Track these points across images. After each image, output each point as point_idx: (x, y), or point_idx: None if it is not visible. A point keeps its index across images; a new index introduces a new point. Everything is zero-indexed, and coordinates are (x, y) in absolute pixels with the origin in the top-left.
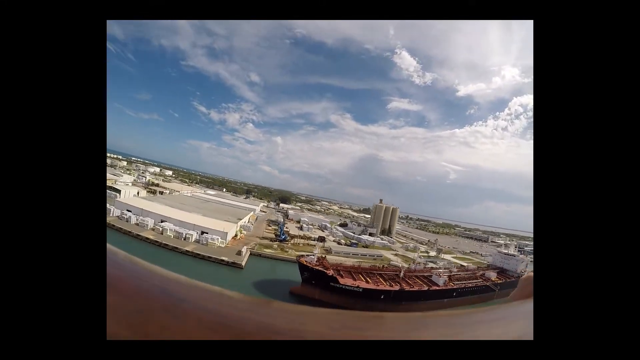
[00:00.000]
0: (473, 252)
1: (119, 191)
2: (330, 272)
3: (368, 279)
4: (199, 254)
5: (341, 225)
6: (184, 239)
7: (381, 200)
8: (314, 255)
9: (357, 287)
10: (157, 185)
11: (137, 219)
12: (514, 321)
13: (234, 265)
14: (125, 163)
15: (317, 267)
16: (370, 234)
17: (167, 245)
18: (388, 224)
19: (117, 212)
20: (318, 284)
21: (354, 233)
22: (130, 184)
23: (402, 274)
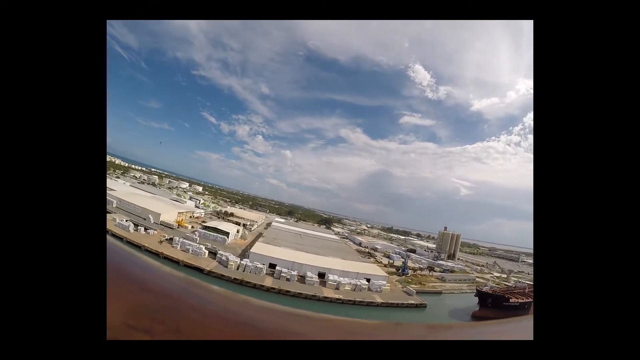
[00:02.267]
0: (520, 272)
1: (227, 234)
2: (507, 295)
3: (514, 296)
4: (392, 303)
5: (409, 251)
6: (360, 291)
7: (445, 228)
8: (487, 285)
9: (517, 302)
10: (231, 214)
11: (297, 275)
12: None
13: (421, 305)
14: (156, 178)
15: (498, 293)
16: (441, 259)
17: (361, 301)
18: (453, 249)
19: (261, 268)
20: (493, 305)
21: (429, 259)
22: (203, 213)
23: (527, 290)
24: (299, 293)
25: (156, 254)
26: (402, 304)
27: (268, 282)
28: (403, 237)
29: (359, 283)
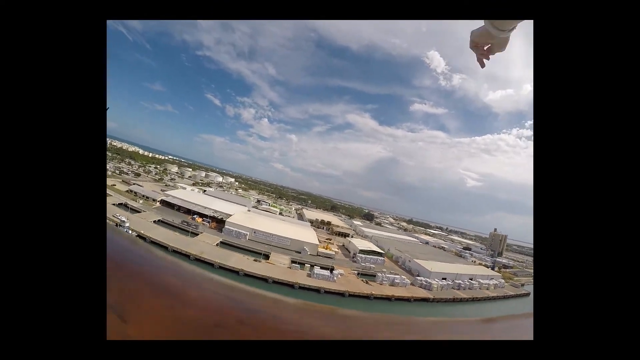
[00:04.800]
0: None
1: (382, 254)
2: None
3: None
4: (518, 294)
5: (465, 249)
6: (496, 288)
7: (495, 229)
8: None
9: None
10: (329, 223)
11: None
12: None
13: (526, 294)
14: (191, 171)
15: None
16: (496, 258)
17: (504, 295)
18: (501, 247)
19: (449, 284)
20: None
21: (487, 257)
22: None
23: None
24: (482, 297)
25: (388, 299)
26: (520, 294)
27: (463, 294)
28: (437, 232)
29: (496, 282)
